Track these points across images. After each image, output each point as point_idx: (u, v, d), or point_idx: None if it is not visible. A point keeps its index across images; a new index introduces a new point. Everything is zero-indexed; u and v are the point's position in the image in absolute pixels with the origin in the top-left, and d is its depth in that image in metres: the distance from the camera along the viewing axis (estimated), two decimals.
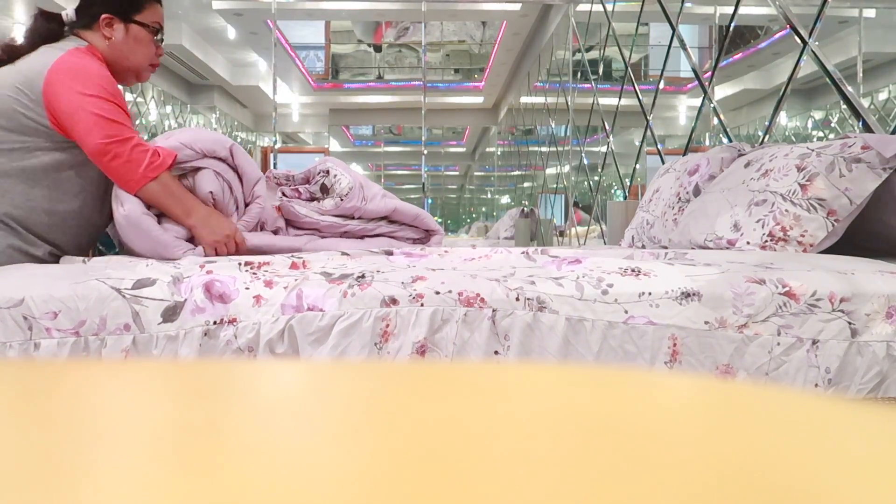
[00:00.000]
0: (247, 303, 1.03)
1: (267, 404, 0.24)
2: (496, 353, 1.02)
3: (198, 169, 1.46)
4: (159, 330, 1.01)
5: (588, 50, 5.44)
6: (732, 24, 2.99)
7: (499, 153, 10.52)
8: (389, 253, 1.31)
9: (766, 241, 1.49)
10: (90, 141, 1.37)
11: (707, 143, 3.48)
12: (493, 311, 1.03)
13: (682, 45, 3.44)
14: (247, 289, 1.04)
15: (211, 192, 1.45)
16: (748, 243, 1.53)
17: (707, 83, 3.18)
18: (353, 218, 1.63)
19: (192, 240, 1.43)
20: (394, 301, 1.02)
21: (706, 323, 1.04)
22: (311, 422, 0.21)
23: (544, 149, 7.14)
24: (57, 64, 1.39)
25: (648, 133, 3.96)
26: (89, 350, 1.00)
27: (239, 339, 1.01)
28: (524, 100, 8.18)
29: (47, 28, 1.52)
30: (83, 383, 0.28)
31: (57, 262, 1.41)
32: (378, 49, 9.44)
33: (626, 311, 1.04)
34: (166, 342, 1.01)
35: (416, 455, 0.18)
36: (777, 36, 2.99)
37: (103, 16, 1.51)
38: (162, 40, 1.61)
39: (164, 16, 1.62)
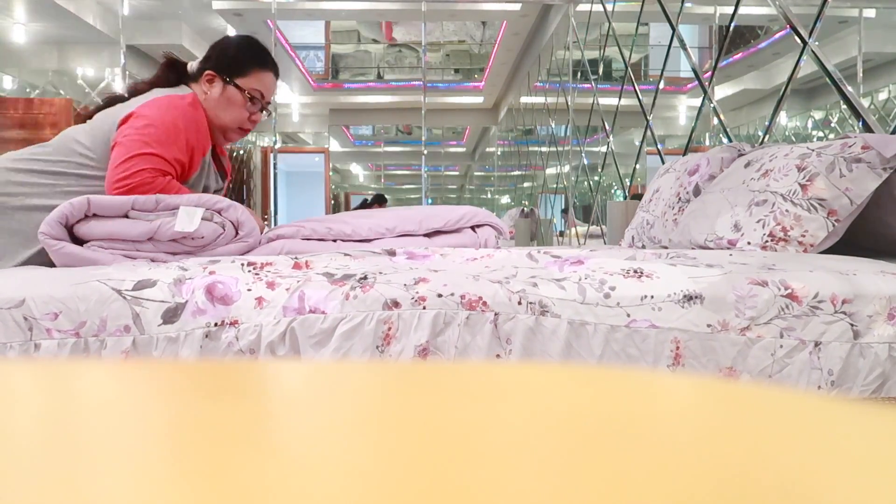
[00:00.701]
0: (248, 304, 1.02)
1: (267, 404, 0.24)
2: (498, 356, 1.02)
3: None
4: (159, 331, 1.01)
5: (587, 48, 5.43)
6: (732, 24, 2.99)
7: (499, 153, 10.52)
8: (392, 253, 1.31)
9: (767, 242, 1.49)
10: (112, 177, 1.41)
11: (707, 143, 3.47)
12: (496, 314, 1.02)
13: (682, 45, 3.44)
14: (248, 290, 1.04)
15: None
16: (748, 243, 1.53)
17: (707, 83, 3.17)
18: None
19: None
20: (396, 304, 1.02)
21: (708, 326, 1.04)
22: (311, 422, 0.21)
23: (544, 149, 7.14)
24: (149, 102, 1.47)
25: (648, 133, 3.96)
26: (89, 351, 1.00)
27: (240, 342, 1.00)
28: (524, 100, 8.17)
29: (167, 75, 1.61)
30: (83, 383, 0.28)
31: None
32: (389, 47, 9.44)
33: (628, 315, 1.04)
34: (167, 344, 1.00)
35: (417, 455, 0.18)
36: (777, 36, 2.99)
37: (206, 72, 1.58)
38: (264, 109, 1.66)
39: (273, 87, 1.67)
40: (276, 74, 1.68)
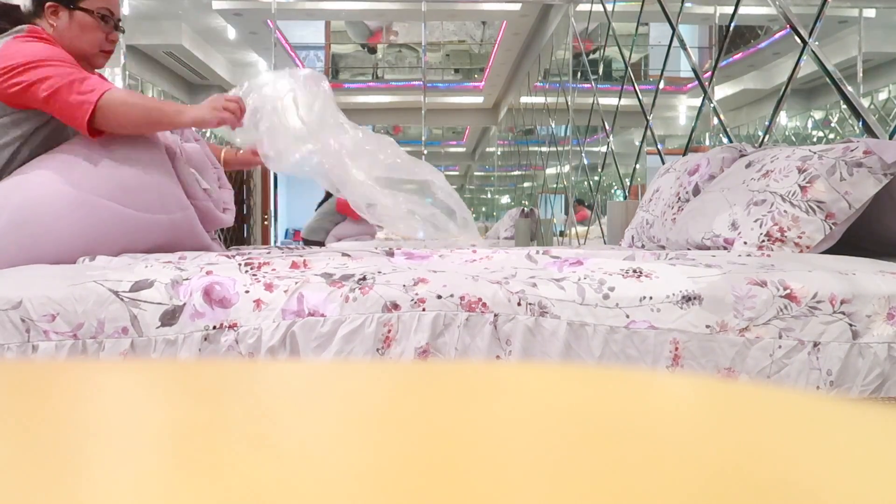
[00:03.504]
0: (247, 307, 1.02)
1: (268, 404, 0.24)
2: (498, 357, 1.02)
3: None
4: (158, 334, 1.00)
5: (592, 52, 5.43)
6: (732, 24, 2.99)
7: (499, 153, 10.52)
8: (391, 254, 1.31)
9: (764, 241, 1.49)
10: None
11: (707, 143, 3.47)
12: (495, 315, 1.02)
13: (682, 45, 3.44)
14: (246, 292, 1.04)
15: None
16: (745, 243, 1.53)
17: (707, 83, 3.17)
18: None
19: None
20: (395, 306, 1.01)
21: (707, 327, 1.04)
22: (311, 423, 0.21)
23: (544, 149, 7.14)
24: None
25: (648, 133, 3.95)
26: (87, 353, 0.99)
27: (240, 345, 1.00)
28: (524, 100, 8.17)
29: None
30: (83, 383, 0.27)
31: None
32: (373, 51, 9.43)
33: (627, 316, 1.03)
34: (165, 346, 1.00)
35: (418, 456, 0.18)
36: (777, 36, 2.99)
37: (47, 4, 1.50)
38: (117, 27, 1.58)
39: (117, 2, 1.59)
40: None
